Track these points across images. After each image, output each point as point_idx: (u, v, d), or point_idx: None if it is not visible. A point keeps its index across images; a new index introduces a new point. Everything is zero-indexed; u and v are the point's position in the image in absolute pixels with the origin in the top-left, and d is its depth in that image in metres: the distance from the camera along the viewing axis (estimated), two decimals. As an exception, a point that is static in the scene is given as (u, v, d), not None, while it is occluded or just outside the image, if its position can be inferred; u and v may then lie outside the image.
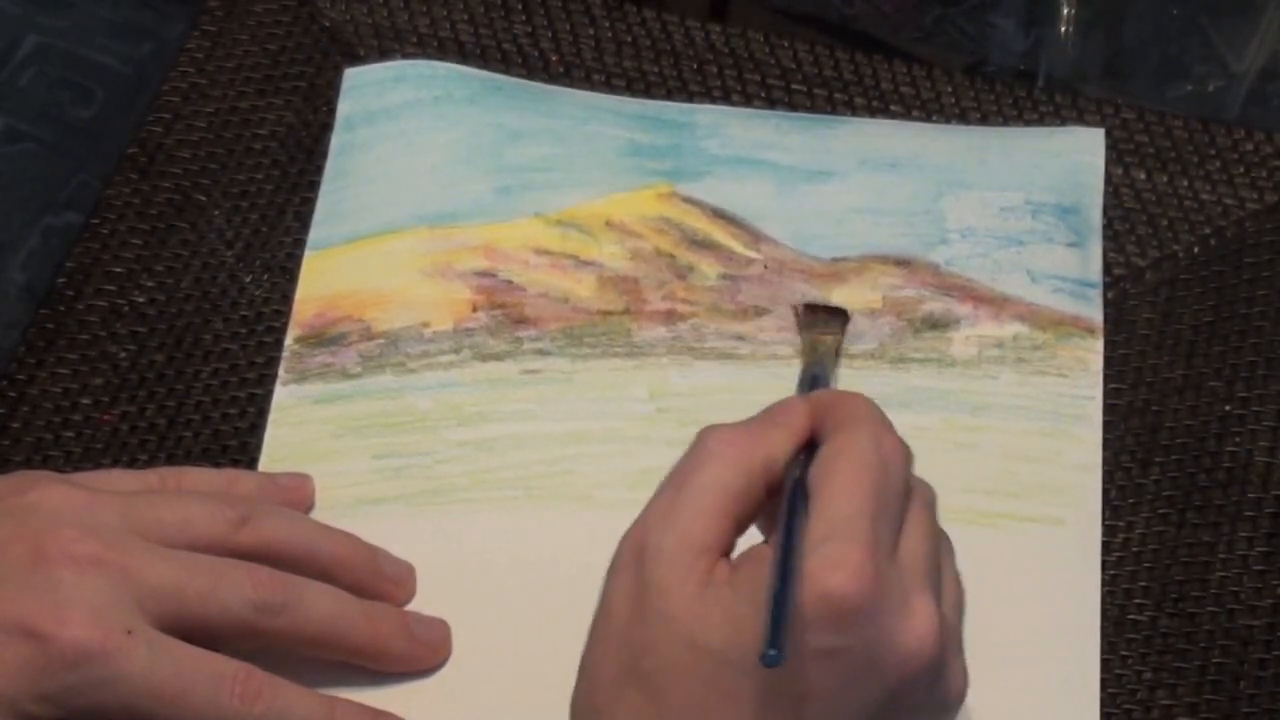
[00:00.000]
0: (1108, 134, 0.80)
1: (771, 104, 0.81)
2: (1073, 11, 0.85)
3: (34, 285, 0.77)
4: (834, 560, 0.54)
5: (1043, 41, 0.85)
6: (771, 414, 0.60)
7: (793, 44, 0.83)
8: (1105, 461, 0.72)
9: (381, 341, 0.74)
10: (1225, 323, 0.76)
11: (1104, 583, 0.70)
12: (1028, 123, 0.81)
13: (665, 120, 0.80)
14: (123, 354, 0.75)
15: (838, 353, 0.74)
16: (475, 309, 0.75)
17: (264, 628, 0.63)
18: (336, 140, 0.80)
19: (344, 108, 0.80)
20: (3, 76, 0.83)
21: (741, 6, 0.86)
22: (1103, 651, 0.68)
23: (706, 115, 0.80)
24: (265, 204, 0.79)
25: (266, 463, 0.72)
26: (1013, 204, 0.78)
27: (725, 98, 0.81)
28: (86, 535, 0.62)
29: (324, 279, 0.76)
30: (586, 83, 0.82)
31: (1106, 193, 0.79)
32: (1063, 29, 0.85)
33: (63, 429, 0.73)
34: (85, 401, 0.74)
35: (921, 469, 0.59)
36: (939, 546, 0.59)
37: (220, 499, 0.66)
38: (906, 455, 0.58)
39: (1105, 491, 0.72)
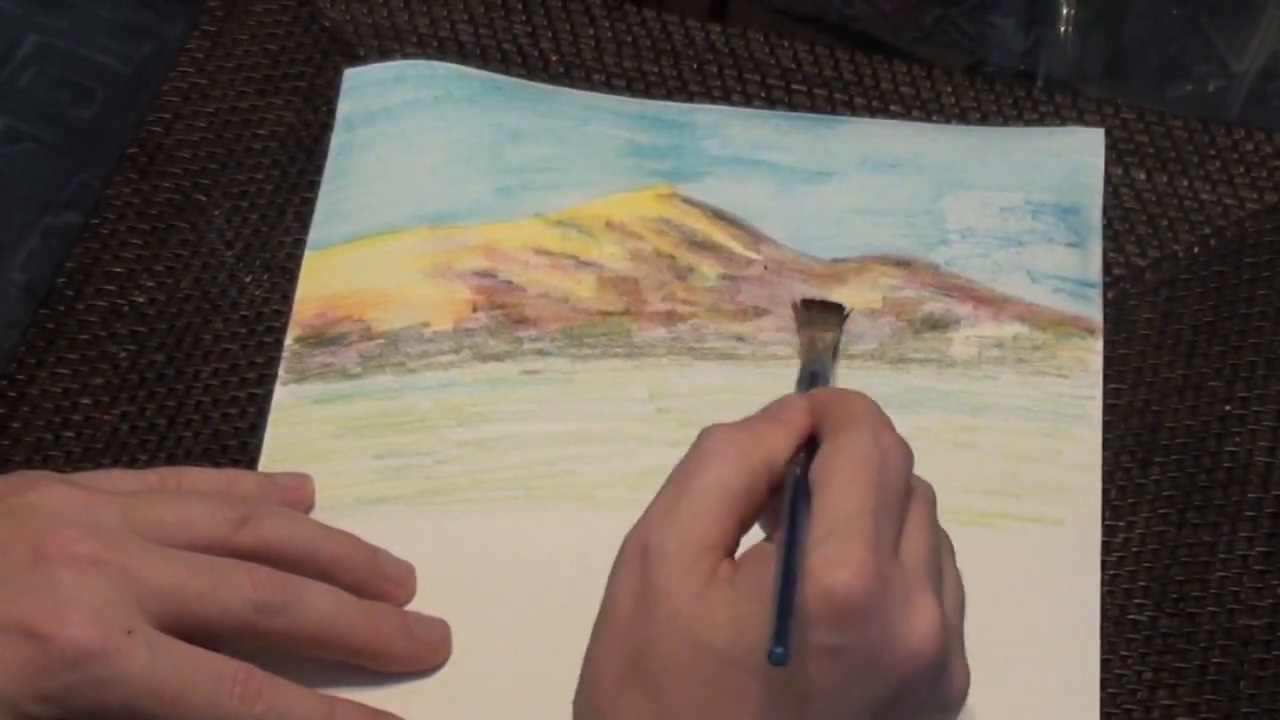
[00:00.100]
0: (1108, 134, 0.80)
1: (771, 104, 0.81)
2: (1073, 11, 0.85)
3: (34, 285, 0.77)
4: (837, 558, 0.54)
5: (1043, 41, 0.85)
6: (772, 412, 0.60)
7: (793, 44, 0.83)
8: (1105, 461, 0.72)
9: (381, 341, 0.74)
10: (1225, 323, 0.76)
11: (1104, 583, 0.70)
12: (1028, 123, 0.81)
13: (665, 120, 0.80)
14: (123, 354, 0.75)
15: (836, 349, 0.74)
16: (475, 309, 0.75)
17: (264, 628, 0.63)
18: (336, 140, 0.80)
19: (344, 108, 0.80)
20: (3, 76, 0.83)
21: (741, 6, 0.86)
22: (1103, 651, 0.68)
23: (706, 115, 0.80)
24: (265, 204, 0.79)
25: (266, 463, 0.72)
26: (1013, 204, 0.78)
27: (725, 98, 0.81)
28: (86, 535, 0.62)
29: (324, 279, 0.76)
30: (586, 83, 0.82)
31: (1106, 193, 0.79)
32: (1063, 29, 0.85)
33: (63, 429, 0.73)
34: (85, 401, 0.74)
35: (922, 469, 0.59)
36: (940, 545, 0.59)
37: (220, 499, 0.66)
38: (907, 454, 0.58)
39: (1105, 491, 0.72)
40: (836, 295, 0.75)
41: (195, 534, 0.64)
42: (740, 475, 0.58)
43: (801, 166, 0.79)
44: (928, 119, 0.81)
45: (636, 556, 0.57)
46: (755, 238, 0.77)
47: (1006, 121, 0.81)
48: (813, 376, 0.70)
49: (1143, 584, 0.70)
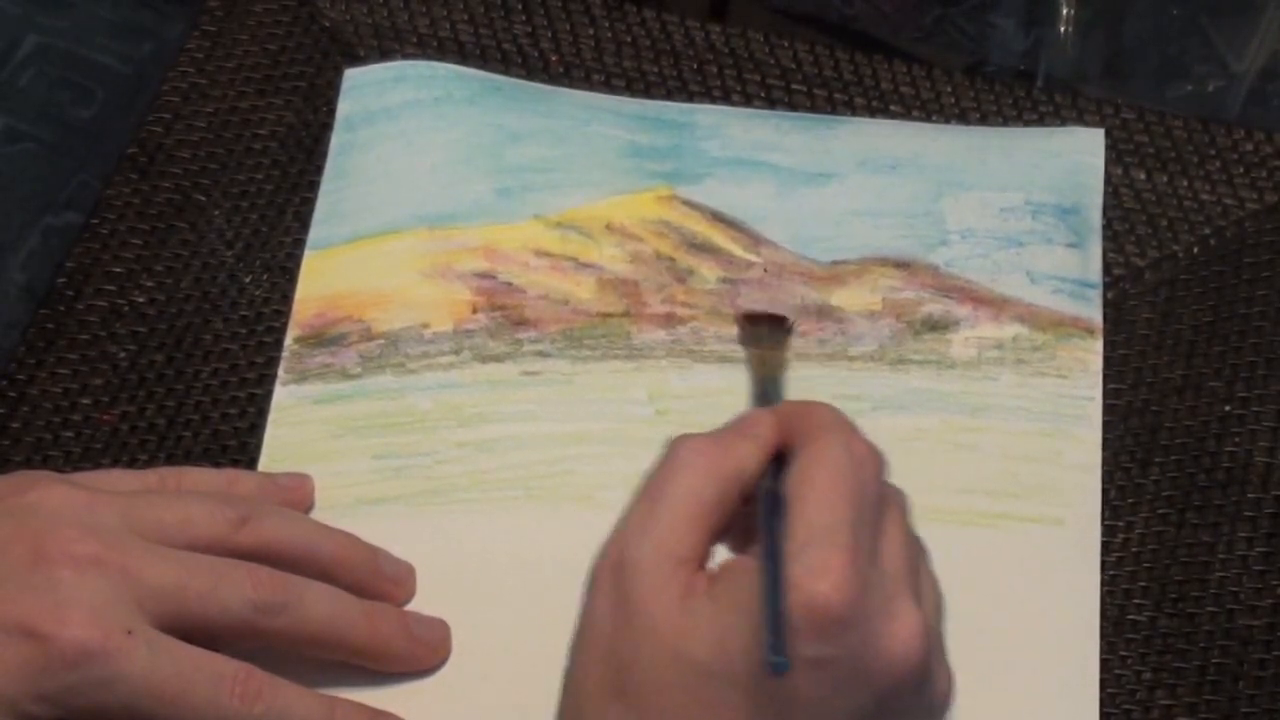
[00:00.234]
0: (1108, 134, 0.80)
1: (771, 104, 0.81)
2: (1073, 11, 0.85)
3: (34, 285, 0.77)
4: (817, 568, 0.54)
5: (1043, 41, 0.85)
6: (739, 426, 0.60)
7: (793, 44, 0.83)
8: (1105, 461, 0.72)
9: (381, 342, 0.74)
10: (1225, 323, 0.76)
11: (1104, 583, 0.70)
12: (1028, 123, 0.81)
13: (665, 121, 0.80)
14: (123, 354, 0.75)
15: (784, 362, 0.72)
16: (475, 310, 0.75)
17: (264, 628, 0.63)
18: (336, 140, 0.80)
19: (344, 108, 0.80)
20: (3, 76, 0.83)
21: (741, 6, 0.86)
22: (1102, 651, 0.68)
23: (706, 115, 0.80)
24: (265, 204, 0.79)
25: (266, 463, 0.72)
26: (1012, 204, 0.78)
27: (725, 98, 0.81)
28: (86, 535, 0.62)
29: (324, 279, 0.76)
30: (586, 83, 0.82)
31: (1106, 193, 0.79)
32: (1063, 29, 0.85)
33: (63, 429, 0.73)
34: (85, 401, 0.74)
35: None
36: (916, 550, 0.59)
37: (220, 499, 0.66)
38: (879, 460, 0.58)
39: (1105, 491, 0.72)
40: (836, 297, 0.75)
41: (195, 534, 0.64)
42: (710, 484, 0.58)
43: (801, 168, 0.79)
44: (928, 119, 0.81)
45: (611, 571, 0.57)
46: (755, 240, 0.77)
47: (1006, 122, 0.81)
48: (764, 394, 0.69)
49: (1142, 584, 0.70)
